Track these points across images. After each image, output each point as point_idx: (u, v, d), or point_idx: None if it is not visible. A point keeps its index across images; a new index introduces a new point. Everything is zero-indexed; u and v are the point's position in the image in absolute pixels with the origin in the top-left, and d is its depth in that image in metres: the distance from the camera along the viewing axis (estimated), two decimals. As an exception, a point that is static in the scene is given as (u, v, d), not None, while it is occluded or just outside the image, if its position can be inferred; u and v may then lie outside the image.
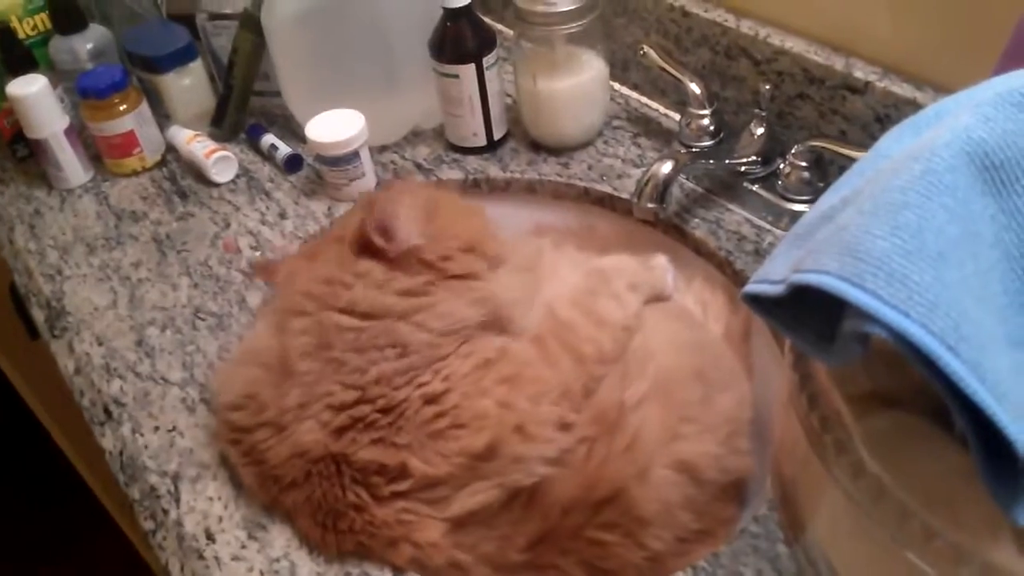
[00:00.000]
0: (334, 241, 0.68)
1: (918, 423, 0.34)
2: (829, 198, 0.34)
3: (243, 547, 0.62)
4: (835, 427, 0.32)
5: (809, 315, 0.33)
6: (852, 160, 0.74)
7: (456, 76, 0.89)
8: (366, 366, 0.60)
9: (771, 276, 0.34)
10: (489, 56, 0.89)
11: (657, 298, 0.75)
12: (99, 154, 0.99)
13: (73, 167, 0.97)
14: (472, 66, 0.88)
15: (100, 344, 0.79)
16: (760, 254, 0.79)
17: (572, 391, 0.62)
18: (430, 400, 0.59)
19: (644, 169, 0.79)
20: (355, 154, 0.89)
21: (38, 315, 0.86)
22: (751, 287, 0.35)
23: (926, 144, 0.29)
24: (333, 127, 0.88)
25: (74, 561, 1.72)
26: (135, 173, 0.99)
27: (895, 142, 0.36)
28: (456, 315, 0.63)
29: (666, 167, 0.77)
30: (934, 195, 0.27)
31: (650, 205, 0.77)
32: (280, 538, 0.62)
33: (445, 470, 0.58)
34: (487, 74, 0.89)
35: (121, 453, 0.71)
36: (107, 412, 0.74)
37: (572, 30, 0.87)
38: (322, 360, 0.61)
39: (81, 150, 0.98)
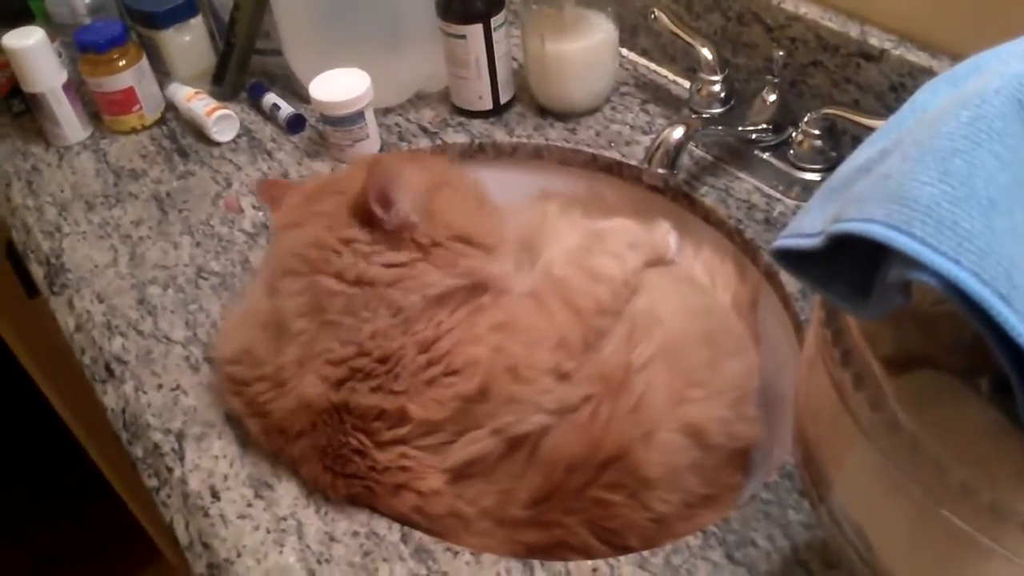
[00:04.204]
0: (334, 193, 0.67)
1: (947, 382, 0.34)
2: (865, 151, 0.34)
3: (249, 505, 0.61)
4: (869, 384, 0.32)
5: (844, 269, 0.32)
6: (866, 128, 0.74)
7: (463, 37, 0.88)
8: (359, 324, 0.60)
9: (805, 229, 0.33)
10: (497, 16, 0.87)
11: (659, 260, 0.75)
12: (98, 111, 0.98)
13: (71, 123, 0.96)
14: (480, 26, 0.87)
15: (101, 301, 0.78)
16: (770, 223, 0.78)
17: (569, 341, 0.62)
18: (423, 348, 0.60)
19: (654, 136, 0.78)
20: (360, 114, 0.87)
21: (37, 272, 0.84)
22: (783, 241, 0.34)
23: (974, 91, 0.28)
24: (338, 86, 0.87)
25: (69, 522, 1.72)
26: (134, 131, 0.98)
27: (932, 95, 0.35)
28: (441, 284, 0.62)
29: (677, 132, 0.76)
30: (984, 142, 0.27)
31: (660, 171, 0.77)
32: (287, 496, 0.62)
33: (441, 415, 0.58)
34: (495, 35, 0.88)
35: (124, 411, 0.70)
36: (108, 370, 0.73)
37: (582, -8, 0.86)
38: (317, 321, 0.61)
39: (80, 106, 0.96)
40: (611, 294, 0.66)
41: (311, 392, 0.59)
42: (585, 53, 0.89)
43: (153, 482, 0.65)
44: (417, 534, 0.59)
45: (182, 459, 0.65)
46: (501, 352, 0.60)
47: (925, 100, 0.35)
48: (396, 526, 0.59)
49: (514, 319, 0.62)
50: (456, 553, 0.57)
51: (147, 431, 0.67)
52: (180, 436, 0.66)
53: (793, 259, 0.35)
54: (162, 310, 0.77)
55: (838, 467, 0.36)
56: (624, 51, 0.99)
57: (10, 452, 1.82)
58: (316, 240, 0.63)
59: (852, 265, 0.31)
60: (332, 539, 0.59)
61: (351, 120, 0.87)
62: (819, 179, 0.79)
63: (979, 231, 0.25)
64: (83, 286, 0.80)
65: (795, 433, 0.41)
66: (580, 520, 0.60)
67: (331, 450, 0.60)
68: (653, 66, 0.98)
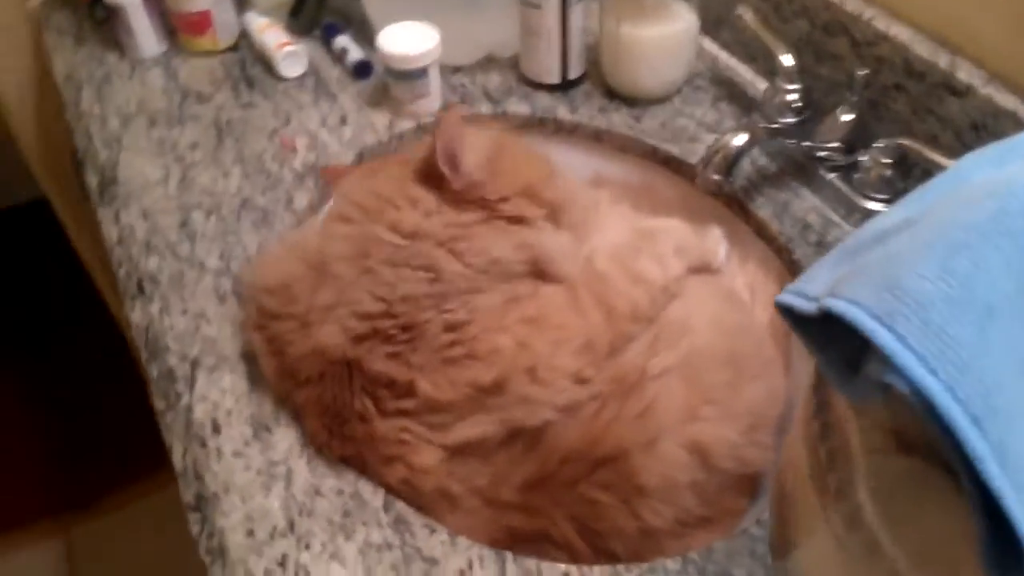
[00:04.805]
0: (399, 163, 0.68)
1: (931, 475, 0.32)
2: (893, 215, 0.32)
3: (246, 444, 0.63)
4: (841, 465, 0.30)
5: (839, 339, 0.30)
6: (938, 166, 0.69)
7: (539, 6, 0.85)
8: (396, 281, 0.60)
9: (808, 291, 0.32)
10: (578, -10, 0.85)
11: (704, 268, 0.73)
12: (174, 29, 0.99)
13: (147, 38, 0.97)
14: (558, -1, 0.85)
15: (145, 219, 0.80)
16: (822, 246, 0.75)
17: (596, 345, 0.61)
18: (450, 327, 0.59)
19: (717, 137, 0.75)
20: (424, 71, 0.86)
21: (91, 180, 0.87)
22: (785, 297, 0.33)
23: (1005, 180, 0.26)
24: (406, 40, 0.86)
25: (103, 410, 1.80)
26: (207, 53, 0.99)
27: (975, 167, 0.32)
28: (493, 254, 0.62)
29: (739, 139, 0.73)
30: (997, 240, 0.24)
31: (715, 176, 0.74)
32: (283, 443, 0.63)
33: (450, 397, 0.58)
34: (571, 9, 0.86)
35: (147, 329, 0.72)
36: (140, 287, 0.75)
37: (668, -24, 0.82)
38: (357, 268, 0.61)
39: (158, 22, 0.98)
40: (648, 300, 0.65)
41: (328, 341, 0.60)
42: (662, 40, 0.86)
43: (161, 404, 0.67)
44: (399, 504, 0.59)
45: (192, 387, 0.66)
46: (525, 348, 0.59)
47: (968, 170, 0.33)
48: (381, 492, 0.60)
49: (545, 314, 0.61)
50: (433, 531, 0.58)
51: (165, 354, 0.69)
52: (195, 364, 0.68)
53: (795, 316, 0.33)
54: (201, 237, 0.78)
55: (800, 534, 0.34)
56: (706, 41, 0.95)
57: (70, 350, 1.91)
58: (378, 192, 0.64)
59: (844, 339, 0.29)
60: (318, 493, 0.60)
61: (414, 75, 0.86)
62: (881, 209, 0.75)
63: (966, 340, 0.23)
64: (131, 201, 0.82)
65: (774, 483, 0.40)
66: (567, 515, 0.60)
67: (334, 407, 0.60)
68: (732, 62, 0.94)
